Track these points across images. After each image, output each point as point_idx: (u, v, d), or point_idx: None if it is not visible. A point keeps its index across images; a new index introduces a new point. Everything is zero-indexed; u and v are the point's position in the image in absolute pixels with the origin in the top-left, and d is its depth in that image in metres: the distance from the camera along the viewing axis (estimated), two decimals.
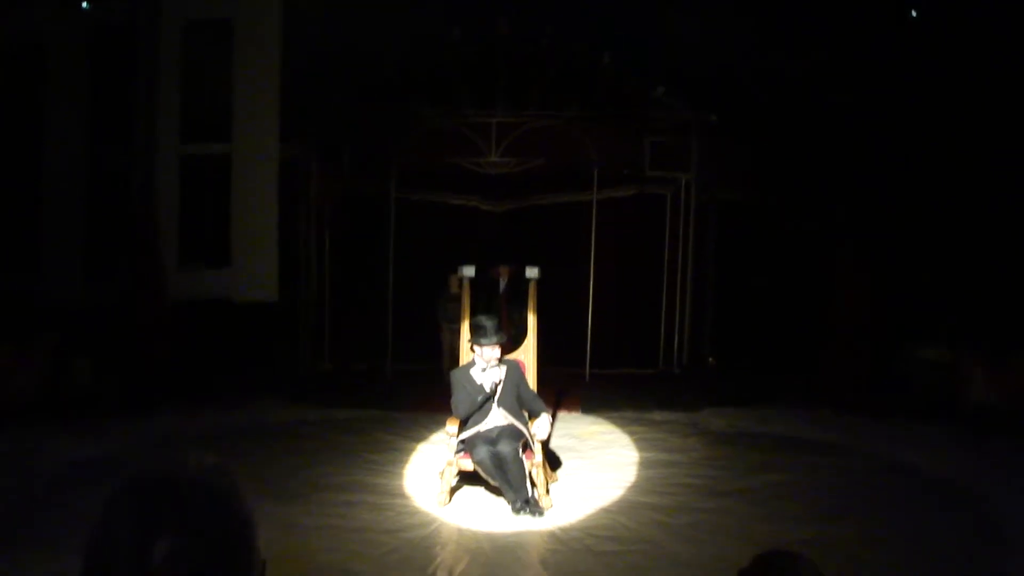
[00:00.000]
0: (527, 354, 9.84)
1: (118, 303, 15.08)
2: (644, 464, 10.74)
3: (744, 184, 17.06)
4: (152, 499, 1.46)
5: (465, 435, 8.92)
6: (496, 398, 8.96)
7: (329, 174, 17.19)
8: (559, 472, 10.02)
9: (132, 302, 15.07)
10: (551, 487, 9.13)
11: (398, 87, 16.27)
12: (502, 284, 16.20)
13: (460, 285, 14.68)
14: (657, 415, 13.77)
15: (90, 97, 16.37)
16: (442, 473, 9.00)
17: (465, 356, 14.38)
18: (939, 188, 15.59)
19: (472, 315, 10.36)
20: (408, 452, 11.18)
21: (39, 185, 16.44)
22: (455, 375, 9.32)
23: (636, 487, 9.70)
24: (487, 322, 9.10)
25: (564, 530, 8.12)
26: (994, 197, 15.29)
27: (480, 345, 9.07)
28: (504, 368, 9.12)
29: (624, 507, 8.93)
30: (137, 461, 1.51)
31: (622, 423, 13.20)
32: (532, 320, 10.09)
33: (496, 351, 9.03)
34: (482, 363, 9.03)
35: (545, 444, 9.25)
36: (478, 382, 8.99)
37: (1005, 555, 7.44)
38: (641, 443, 11.87)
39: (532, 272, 10.00)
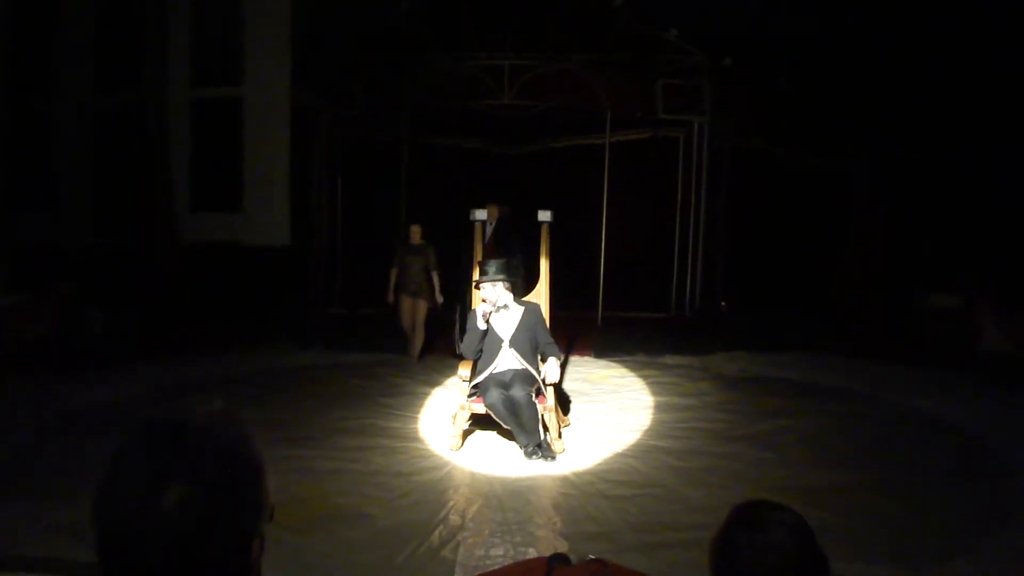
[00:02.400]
0: (539, 299, 9.80)
1: (130, 248, 15.08)
2: (656, 408, 10.75)
3: (757, 128, 16.97)
4: (162, 445, 1.45)
5: (478, 379, 8.93)
6: (508, 339, 8.96)
7: (341, 118, 17.13)
8: (571, 416, 10.03)
9: (144, 247, 15.08)
10: (563, 431, 9.13)
11: (410, 30, 16.14)
12: (488, 228, 13.47)
13: (422, 236, 13.59)
14: (669, 359, 13.78)
15: (99, 41, 16.28)
16: (454, 417, 9.02)
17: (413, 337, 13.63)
18: (955, 135, 15.47)
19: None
20: (421, 396, 11.20)
21: (49, 132, 16.41)
22: (470, 315, 9.34)
23: (649, 431, 9.71)
24: (489, 262, 9.10)
25: (577, 474, 8.13)
26: (1011, 145, 15.17)
27: (478, 285, 9.10)
28: (522, 309, 9.11)
29: (637, 451, 8.94)
30: (148, 407, 1.49)
31: (634, 367, 13.22)
32: (545, 265, 10.06)
33: (493, 290, 8.98)
34: (489, 300, 9.01)
35: (557, 388, 9.24)
36: (481, 319, 8.99)
37: (1016, 502, 7.43)
38: (653, 387, 11.89)
39: (545, 215, 9.93)
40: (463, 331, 9.60)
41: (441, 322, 13.94)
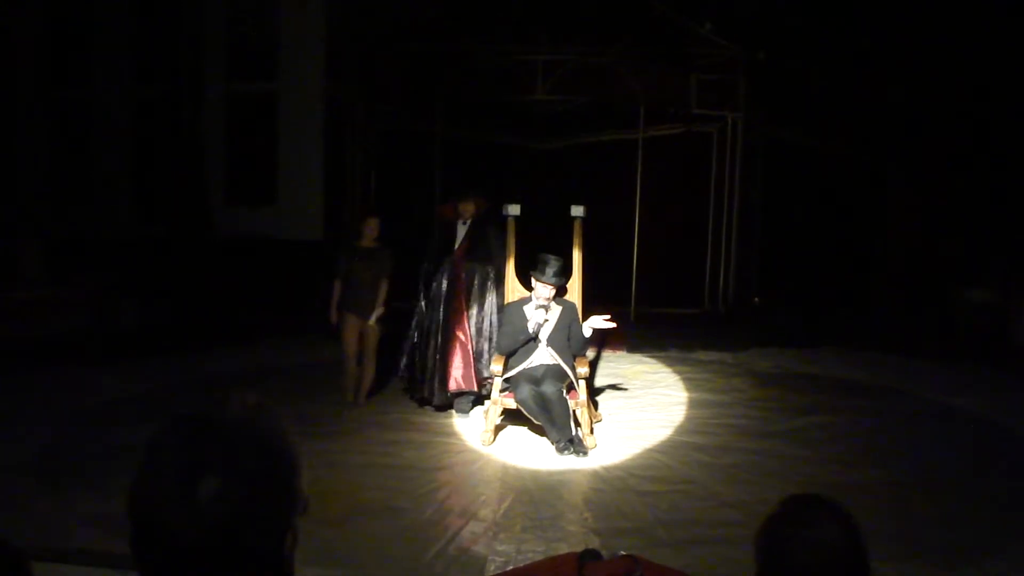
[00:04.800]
0: (573, 295, 9.79)
1: (165, 240, 15.18)
2: (689, 404, 10.72)
3: (792, 123, 16.87)
4: (197, 437, 1.46)
5: (509, 373, 8.93)
6: (545, 338, 8.98)
7: (375, 112, 17.14)
8: (603, 411, 10.01)
9: (178, 240, 15.17)
10: (595, 426, 9.13)
11: (444, 24, 16.14)
12: (460, 230, 10.32)
13: (379, 236, 10.36)
14: (702, 355, 13.73)
15: (137, 34, 16.41)
16: (486, 412, 9.03)
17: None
18: (992, 127, 15.34)
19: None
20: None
21: (88, 124, 16.55)
22: (508, 308, 9.33)
23: (680, 427, 9.69)
24: (551, 258, 9.03)
25: (608, 469, 8.14)
26: None
27: (537, 280, 9.03)
28: (559, 309, 9.10)
29: (668, 447, 8.92)
30: (182, 399, 1.51)
31: (667, 363, 13.19)
32: (578, 260, 10.03)
33: (549, 291, 8.97)
34: (536, 300, 9.01)
35: (589, 383, 9.25)
36: (528, 319, 8.98)
37: None
38: (686, 383, 11.85)
39: (578, 211, 9.90)
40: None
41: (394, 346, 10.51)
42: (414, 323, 10.18)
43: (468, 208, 10.17)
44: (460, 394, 9.87)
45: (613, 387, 11.30)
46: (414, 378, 10.13)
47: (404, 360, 10.24)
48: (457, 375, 9.75)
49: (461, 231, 10.24)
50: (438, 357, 9.85)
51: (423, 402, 10.04)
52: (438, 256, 10.27)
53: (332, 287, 10.37)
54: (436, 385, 9.85)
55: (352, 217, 16.34)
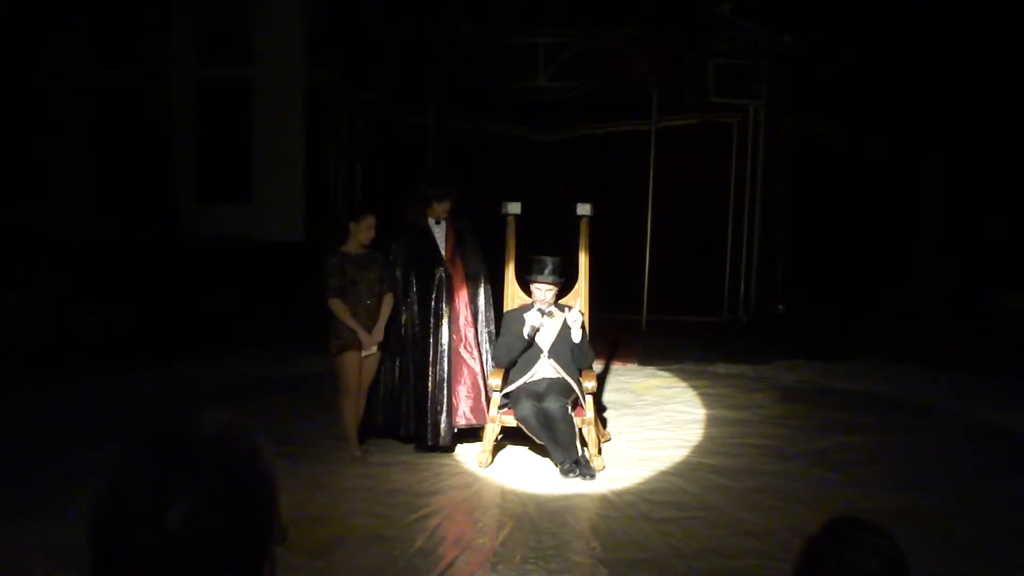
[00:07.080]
0: (579, 301, 9.78)
1: (130, 243, 15.15)
2: (706, 422, 10.71)
3: (820, 113, 16.87)
4: (166, 458, 1.46)
5: (509, 388, 8.91)
6: (547, 349, 8.96)
7: (361, 101, 17.14)
8: (612, 430, 10.01)
9: (145, 242, 15.14)
10: (603, 447, 9.12)
11: (437, 3, 16.15)
12: (437, 230, 9.43)
13: (369, 240, 8.86)
14: (721, 368, 13.74)
15: (97, 12, 16.36)
16: (484, 430, 9.02)
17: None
18: None
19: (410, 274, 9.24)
20: None
21: (44, 112, 16.49)
22: (507, 316, 9.31)
23: (697, 447, 9.68)
24: (547, 257, 9.01)
25: (617, 494, 8.12)
26: None
27: (535, 283, 9.02)
28: (562, 316, 9.09)
29: (684, 469, 8.91)
30: (150, 417, 1.51)
31: (682, 376, 13.19)
32: (584, 263, 10.04)
33: (548, 292, 8.97)
34: (536, 305, 9.00)
35: (597, 399, 9.23)
36: (524, 324, 8.97)
37: None
38: (703, 399, 11.85)
39: (584, 209, 9.89)
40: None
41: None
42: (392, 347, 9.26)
43: (446, 206, 9.34)
44: (467, 430, 9.29)
45: (623, 403, 11.31)
46: (398, 412, 9.29)
47: (382, 392, 9.31)
48: (466, 408, 9.25)
49: (439, 231, 9.40)
50: (445, 386, 9.13)
51: (419, 442, 9.20)
52: (420, 264, 9.33)
53: (333, 310, 8.71)
54: (441, 421, 9.09)
55: (336, 216, 16.32)
